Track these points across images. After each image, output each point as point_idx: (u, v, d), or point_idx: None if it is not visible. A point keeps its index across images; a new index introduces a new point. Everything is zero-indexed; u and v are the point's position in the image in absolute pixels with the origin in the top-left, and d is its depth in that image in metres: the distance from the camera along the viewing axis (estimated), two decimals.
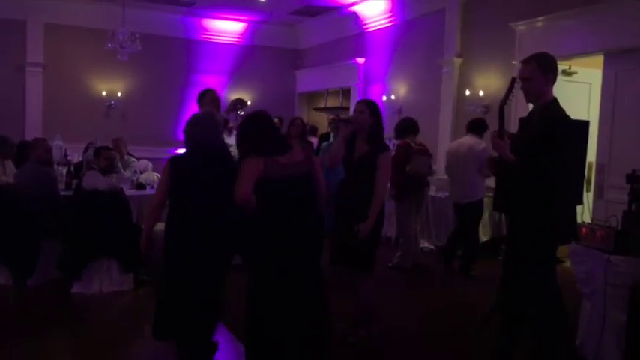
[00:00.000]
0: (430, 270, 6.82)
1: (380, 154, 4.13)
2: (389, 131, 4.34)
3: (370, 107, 4.23)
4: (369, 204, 4.05)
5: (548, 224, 3.33)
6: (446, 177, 8.25)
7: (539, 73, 3.42)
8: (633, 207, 3.82)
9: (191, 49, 12.20)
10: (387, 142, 7.57)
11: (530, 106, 3.67)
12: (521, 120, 3.74)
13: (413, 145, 6.72)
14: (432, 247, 7.73)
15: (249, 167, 3.32)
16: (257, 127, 3.48)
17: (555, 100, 3.48)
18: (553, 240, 3.43)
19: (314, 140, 9.99)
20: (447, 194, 7.79)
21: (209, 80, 11.87)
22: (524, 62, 3.52)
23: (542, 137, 3.26)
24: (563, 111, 3.41)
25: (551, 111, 3.39)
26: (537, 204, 3.30)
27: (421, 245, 7.48)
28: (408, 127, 6.81)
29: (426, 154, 6.80)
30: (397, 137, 6.87)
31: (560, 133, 3.26)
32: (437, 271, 6.77)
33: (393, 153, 6.83)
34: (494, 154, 3.54)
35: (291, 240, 3.40)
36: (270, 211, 3.36)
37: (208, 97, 5.25)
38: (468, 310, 5.26)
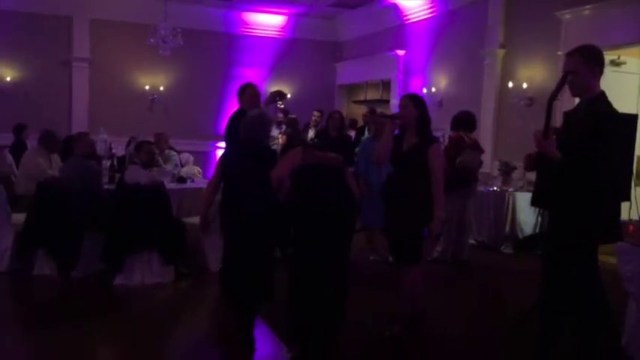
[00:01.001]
0: (470, 265, 6.71)
1: (430, 146, 4.11)
2: (432, 123, 4.38)
3: (414, 100, 4.23)
4: (418, 195, 4.06)
5: (592, 222, 3.22)
6: (489, 171, 8.12)
7: (584, 66, 3.29)
8: None
9: (232, 42, 12.29)
10: (438, 134, 7.59)
11: (577, 100, 3.54)
12: (566, 114, 3.62)
13: (466, 138, 6.63)
14: (473, 241, 7.60)
15: (289, 155, 4.15)
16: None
17: (603, 93, 3.34)
18: (597, 238, 3.31)
19: (352, 133, 9.94)
20: (489, 189, 7.66)
21: (249, 74, 11.95)
22: (568, 55, 3.40)
23: (589, 133, 3.14)
24: (610, 105, 3.28)
25: (598, 106, 3.26)
26: (582, 201, 3.19)
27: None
28: (463, 121, 6.72)
29: (477, 148, 6.69)
30: (452, 129, 6.78)
31: (606, 128, 3.13)
32: (477, 266, 6.67)
33: (445, 145, 6.78)
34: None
35: (315, 228, 3.81)
36: (300, 195, 3.86)
37: (249, 92, 5.25)
38: (508, 306, 5.16)
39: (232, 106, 5.43)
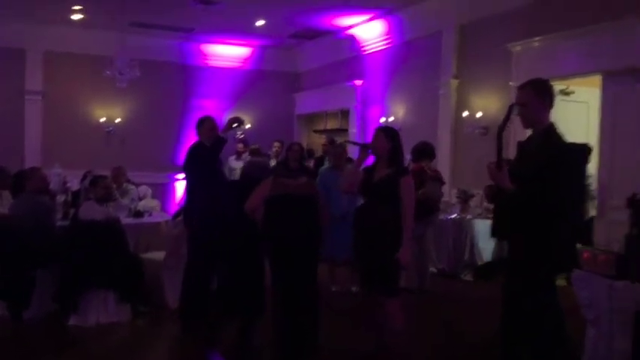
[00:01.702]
0: (431, 293, 6.74)
1: (401, 178, 4.14)
2: None
3: (386, 132, 4.29)
4: (388, 226, 4.07)
5: (547, 252, 3.27)
6: (448, 199, 8.23)
7: (536, 98, 3.39)
8: (635, 231, 3.76)
9: (190, 74, 12.25)
10: None
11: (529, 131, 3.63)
12: (520, 144, 3.70)
13: (427, 170, 6.70)
14: (434, 269, 7.65)
15: (261, 186, 4.37)
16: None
17: (552, 125, 3.44)
18: (552, 268, 3.37)
19: (311, 163, 9.97)
20: (448, 217, 7.75)
21: (209, 105, 11.90)
22: (520, 88, 3.50)
23: (541, 165, 3.22)
24: (561, 137, 3.38)
25: (549, 137, 3.35)
26: (536, 232, 3.25)
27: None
28: (424, 152, 6.80)
29: (439, 179, 6.78)
30: (413, 160, 6.85)
31: (557, 160, 3.22)
32: (438, 294, 6.70)
33: None
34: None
35: (287, 255, 4.26)
36: (271, 223, 4.28)
37: (207, 125, 5.22)
38: (469, 334, 5.17)
39: (191, 137, 5.38)
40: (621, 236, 3.86)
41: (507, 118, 3.43)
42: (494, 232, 3.74)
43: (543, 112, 3.42)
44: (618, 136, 6.50)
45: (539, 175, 3.20)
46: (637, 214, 3.77)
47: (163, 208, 9.42)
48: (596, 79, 6.88)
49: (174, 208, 10.99)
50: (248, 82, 12.67)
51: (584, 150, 4.40)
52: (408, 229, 4.09)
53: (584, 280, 3.96)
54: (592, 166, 6.36)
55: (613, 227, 6.00)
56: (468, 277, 7.48)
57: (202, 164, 5.09)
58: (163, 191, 11.37)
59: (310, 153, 10.87)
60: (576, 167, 3.30)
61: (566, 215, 3.29)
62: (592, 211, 6.69)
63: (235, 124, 5.14)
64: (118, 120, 11.53)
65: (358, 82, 11.10)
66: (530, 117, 3.41)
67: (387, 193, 4.13)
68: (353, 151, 8.24)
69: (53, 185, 6.77)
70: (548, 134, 3.37)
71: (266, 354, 4.57)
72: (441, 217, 7.71)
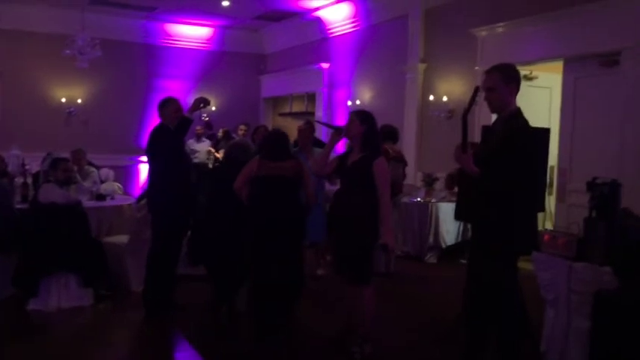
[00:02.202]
0: (397, 275, 6.81)
1: (374, 160, 4.09)
2: None
3: (359, 117, 4.24)
4: (362, 210, 4.03)
5: (508, 235, 3.33)
6: (413, 183, 8.30)
7: (502, 83, 3.41)
8: (594, 214, 3.85)
9: (153, 54, 12.01)
10: None
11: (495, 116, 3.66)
12: (485, 128, 3.73)
13: (390, 151, 6.72)
14: (399, 252, 7.72)
15: (247, 166, 4.55)
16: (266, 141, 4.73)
17: (519, 110, 3.48)
18: (513, 250, 3.43)
19: None
20: (413, 200, 7.82)
21: (173, 86, 11.71)
22: (487, 72, 3.52)
23: (504, 149, 3.25)
24: (526, 122, 3.41)
25: (514, 121, 3.39)
26: (498, 214, 3.30)
27: None
28: (387, 134, 6.80)
29: (401, 161, 6.80)
30: None
31: (521, 144, 3.25)
32: (403, 277, 6.78)
33: None
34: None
35: (272, 226, 4.44)
36: (254, 203, 4.50)
37: (172, 106, 5.07)
38: (435, 316, 5.25)
39: (154, 118, 5.25)
40: (581, 219, 3.95)
41: (472, 100, 3.45)
42: (458, 215, 3.79)
43: (510, 96, 3.44)
44: (578, 121, 6.63)
45: (501, 158, 3.24)
46: (596, 197, 3.86)
47: (126, 191, 9.27)
48: (559, 65, 7.00)
49: (137, 191, 10.84)
50: (213, 64, 12.50)
51: (547, 134, 4.48)
52: (387, 212, 4.06)
53: (544, 261, 4.05)
54: (552, 151, 6.48)
55: (573, 210, 6.14)
56: (432, 259, 7.57)
57: (167, 147, 4.99)
58: (126, 174, 11.18)
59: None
60: (539, 151, 3.34)
61: (529, 198, 3.33)
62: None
63: (202, 105, 5.04)
64: (79, 101, 11.25)
65: (325, 65, 11.05)
66: (497, 102, 3.44)
67: (359, 176, 4.11)
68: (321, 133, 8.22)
69: (11, 167, 6.60)
70: (514, 118, 3.41)
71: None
72: (406, 200, 7.78)
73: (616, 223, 3.73)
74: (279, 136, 4.76)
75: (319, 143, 6.81)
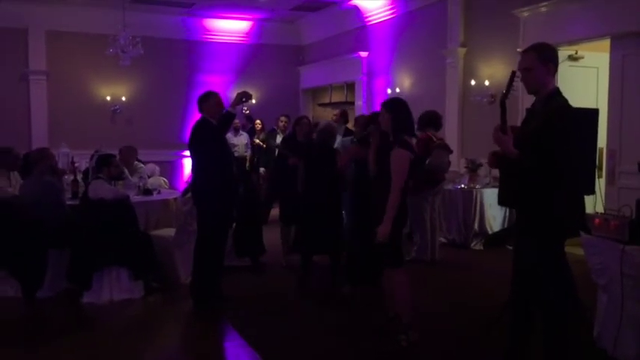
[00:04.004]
0: (442, 263, 6.76)
1: (391, 151, 4.09)
2: None
3: (386, 107, 4.26)
4: (382, 200, 4.06)
5: (554, 218, 3.25)
6: (457, 169, 8.19)
7: (539, 62, 3.32)
8: None
9: (193, 49, 12.16)
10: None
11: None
12: (528, 110, 3.65)
13: (434, 138, 6.65)
14: (444, 240, 7.66)
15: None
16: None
17: (558, 90, 3.38)
18: (560, 233, 3.35)
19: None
20: (457, 187, 7.73)
21: (213, 80, 11.85)
22: (523, 52, 3.44)
23: (546, 130, 3.17)
24: (566, 101, 3.32)
25: (553, 102, 3.30)
26: (542, 197, 3.22)
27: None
28: (430, 120, 6.76)
29: (446, 148, 6.72)
30: (419, 129, 6.80)
31: (562, 124, 3.16)
32: (448, 264, 6.72)
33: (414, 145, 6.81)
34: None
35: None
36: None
37: (213, 100, 5.14)
38: (482, 303, 5.18)
39: (196, 113, 5.33)
40: (632, 202, 3.84)
41: (510, 84, 3.38)
42: (501, 199, 3.72)
43: (547, 76, 3.35)
44: (627, 101, 6.41)
45: (543, 139, 3.16)
46: None
47: (171, 186, 9.45)
48: (605, 44, 6.78)
49: (182, 185, 11.03)
50: (252, 57, 12.58)
51: (595, 114, 4.35)
52: (392, 202, 4.01)
53: (595, 245, 3.95)
54: (601, 132, 6.29)
55: (623, 193, 5.96)
56: (478, 246, 7.48)
57: (209, 141, 5.06)
58: (171, 169, 11.38)
59: (317, 127, 10.81)
60: (583, 130, 3.22)
61: (574, 179, 3.23)
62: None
63: (244, 99, 5.09)
64: (123, 98, 11.50)
65: (363, 54, 10.99)
66: (534, 82, 3.35)
67: (383, 168, 4.13)
68: None
69: (61, 165, 6.80)
70: (553, 98, 3.32)
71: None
72: (450, 187, 7.69)
73: None
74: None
75: None
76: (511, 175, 3.39)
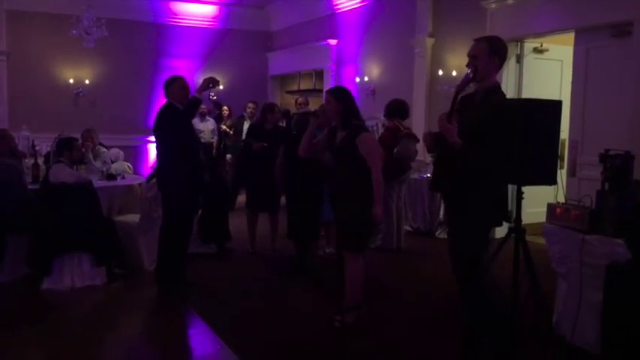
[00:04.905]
0: (407, 251, 6.83)
1: (356, 138, 4.12)
2: (365, 112, 4.78)
3: (334, 95, 4.28)
4: (356, 188, 4.15)
5: (482, 206, 3.31)
6: (422, 159, 8.26)
7: (487, 54, 3.36)
8: (607, 186, 3.82)
9: (160, 33, 11.93)
10: (372, 122, 7.63)
11: None
12: (463, 98, 3.64)
13: (402, 127, 6.69)
14: (409, 228, 7.74)
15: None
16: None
17: (498, 85, 3.47)
18: (487, 221, 3.41)
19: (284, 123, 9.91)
20: (423, 176, 7.80)
21: (180, 65, 11.67)
22: (475, 40, 3.48)
23: (484, 125, 3.20)
24: (504, 97, 3.44)
25: (493, 97, 3.36)
26: (473, 187, 3.28)
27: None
28: (397, 110, 6.79)
29: (413, 137, 6.77)
30: (387, 118, 6.85)
31: (499, 121, 3.20)
32: (413, 252, 6.80)
33: (381, 134, 6.84)
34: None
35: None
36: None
37: (178, 84, 5.08)
38: (445, 290, 5.26)
39: (162, 98, 5.24)
40: (592, 192, 3.93)
41: (466, 80, 3.40)
42: (433, 185, 3.76)
43: (492, 69, 3.40)
44: (590, 94, 6.54)
45: (483, 133, 3.19)
46: (608, 169, 3.83)
47: (136, 171, 9.30)
48: (570, 37, 6.89)
49: (146, 170, 10.87)
50: (220, 42, 12.41)
51: (558, 106, 4.42)
52: (378, 185, 4.12)
53: (556, 234, 4.04)
54: (564, 124, 6.40)
55: (585, 183, 6.09)
56: (442, 235, 7.57)
57: (175, 126, 4.99)
58: (135, 154, 11.20)
59: (286, 114, 10.77)
60: (509, 126, 3.25)
61: (499, 172, 3.29)
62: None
63: (211, 85, 5.03)
64: (86, 81, 11.23)
65: (332, 42, 10.95)
66: (477, 70, 3.39)
67: (347, 157, 4.17)
68: None
69: (21, 148, 6.62)
70: (492, 93, 3.37)
71: None
72: (416, 176, 7.76)
73: (628, 195, 3.70)
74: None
75: None
76: (445, 162, 3.43)
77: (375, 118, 8.02)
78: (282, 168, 5.96)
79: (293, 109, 10.39)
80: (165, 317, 4.67)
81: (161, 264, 5.13)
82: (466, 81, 3.39)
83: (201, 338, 4.31)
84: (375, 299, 4.81)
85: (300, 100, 9.28)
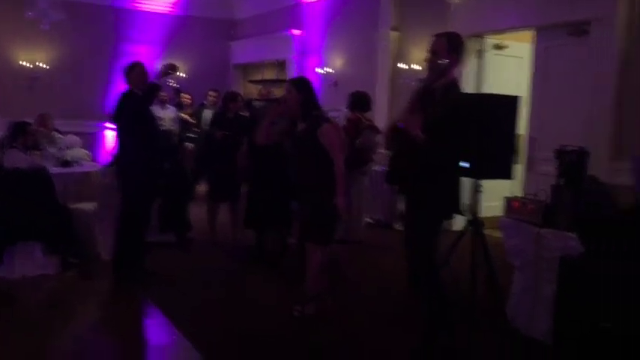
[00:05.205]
0: (366, 243, 6.87)
1: (318, 129, 4.11)
2: (328, 104, 4.75)
3: (296, 85, 4.26)
4: (314, 178, 4.15)
5: (437, 199, 3.36)
6: (383, 151, 8.31)
7: (446, 50, 3.41)
8: (562, 181, 3.91)
9: (120, 17, 11.64)
10: (335, 114, 7.62)
11: None
12: (422, 90, 3.66)
13: (364, 119, 6.71)
14: (370, 220, 7.78)
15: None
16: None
17: (455, 80, 3.51)
18: (440, 213, 3.46)
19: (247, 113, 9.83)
20: (383, 168, 7.84)
21: (140, 50, 11.41)
22: (436, 36, 3.52)
23: (446, 120, 3.24)
24: (461, 94, 3.50)
25: (451, 93, 3.40)
26: (431, 180, 3.32)
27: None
28: (359, 102, 6.80)
29: (375, 129, 6.79)
30: (349, 110, 6.86)
31: (456, 116, 3.24)
32: (373, 244, 6.84)
33: (344, 126, 6.84)
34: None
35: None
36: None
37: (137, 70, 5.00)
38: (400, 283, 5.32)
39: (121, 84, 5.13)
40: (549, 186, 4.01)
41: (435, 77, 3.42)
42: (390, 178, 3.79)
43: (451, 65, 3.43)
44: (548, 91, 6.68)
45: (443, 129, 3.23)
46: (564, 165, 3.92)
47: (94, 158, 9.08)
48: (530, 35, 7.02)
49: (104, 157, 10.63)
50: (182, 29, 12.19)
51: (515, 102, 4.50)
52: (340, 175, 4.12)
53: (513, 228, 4.12)
54: (522, 120, 6.53)
55: (542, 178, 6.23)
56: (402, 227, 7.63)
57: (134, 112, 4.90)
58: (93, 141, 10.93)
59: (248, 104, 10.68)
60: (466, 121, 3.30)
61: (454, 167, 3.34)
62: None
63: (170, 71, 4.94)
64: (43, 65, 10.89)
65: (296, 32, 10.89)
66: (437, 67, 3.42)
67: (306, 147, 4.17)
68: None
69: None
70: (450, 89, 3.41)
71: None
72: (377, 168, 7.80)
73: (582, 190, 3.80)
74: None
75: None
76: (406, 156, 3.46)
77: (337, 110, 8.03)
78: (246, 157, 5.90)
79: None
80: (122, 307, 4.59)
81: (118, 253, 5.04)
82: (432, 81, 3.39)
83: (158, 328, 4.26)
84: (335, 291, 4.82)
85: (262, 92, 9.21)
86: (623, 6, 5.75)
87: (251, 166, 5.91)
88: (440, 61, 3.41)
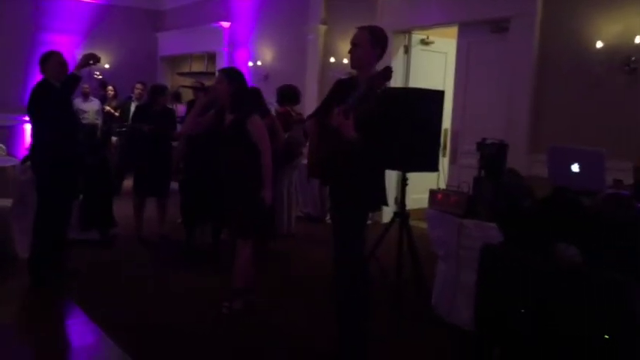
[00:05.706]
0: (297, 236, 6.88)
1: (247, 120, 4.09)
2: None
3: (228, 76, 4.20)
4: (241, 169, 4.11)
5: (365, 192, 3.40)
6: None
7: (369, 43, 3.42)
8: (482, 173, 4.04)
9: (38, 5, 11.14)
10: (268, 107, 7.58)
11: None
12: (339, 82, 3.68)
13: (293, 113, 6.70)
14: (300, 213, 7.79)
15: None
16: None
17: (381, 75, 3.51)
18: (366, 206, 3.50)
19: (180, 108, 9.66)
20: None
21: (59, 40, 10.97)
22: (359, 29, 3.53)
23: (382, 118, 3.27)
24: (389, 88, 3.57)
25: (379, 85, 3.41)
26: (358, 174, 3.35)
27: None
28: (288, 95, 6.79)
29: (304, 123, 6.77)
30: (278, 104, 6.83)
31: (383, 110, 3.28)
32: (303, 238, 6.86)
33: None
34: None
35: None
36: None
37: (54, 60, 4.76)
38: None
39: (39, 75, 4.89)
40: (471, 179, 4.14)
41: (382, 80, 3.39)
42: (312, 172, 3.80)
43: (372, 58, 3.44)
44: (471, 85, 6.89)
45: (376, 125, 3.25)
46: (484, 157, 4.05)
47: (10, 153, 8.66)
48: (454, 31, 7.20)
49: (22, 152, 10.14)
50: (104, 18, 11.80)
51: (441, 96, 4.62)
52: (267, 168, 4.13)
53: (437, 219, 4.22)
54: (446, 114, 6.70)
55: (464, 171, 6.42)
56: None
57: (50, 104, 4.66)
58: (9, 134, 10.43)
59: (177, 96, 10.47)
60: (394, 114, 3.34)
61: (385, 160, 3.40)
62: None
63: (91, 62, 4.74)
64: None
65: (225, 24, 10.75)
66: (358, 59, 3.45)
67: (234, 139, 4.13)
68: None
69: None
70: (375, 80, 3.42)
71: None
72: (305, 162, 7.80)
73: (502, 181, 3.94)
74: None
75: None
76: (323, 149, 3.47)
77: (268, 103, 7.98)
78: (182, 153, 5.82)
79: (185, 92, 10.12)
80: (40, 308, 4.39)
81: (35, 252, 4.81)
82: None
83: (79, 328, 4.10)
84: (263, 285, 4.80)
85: (192, 83, 9.06)
86: (541, 4, 5.99)
87: (187, 161, 5.84)
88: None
